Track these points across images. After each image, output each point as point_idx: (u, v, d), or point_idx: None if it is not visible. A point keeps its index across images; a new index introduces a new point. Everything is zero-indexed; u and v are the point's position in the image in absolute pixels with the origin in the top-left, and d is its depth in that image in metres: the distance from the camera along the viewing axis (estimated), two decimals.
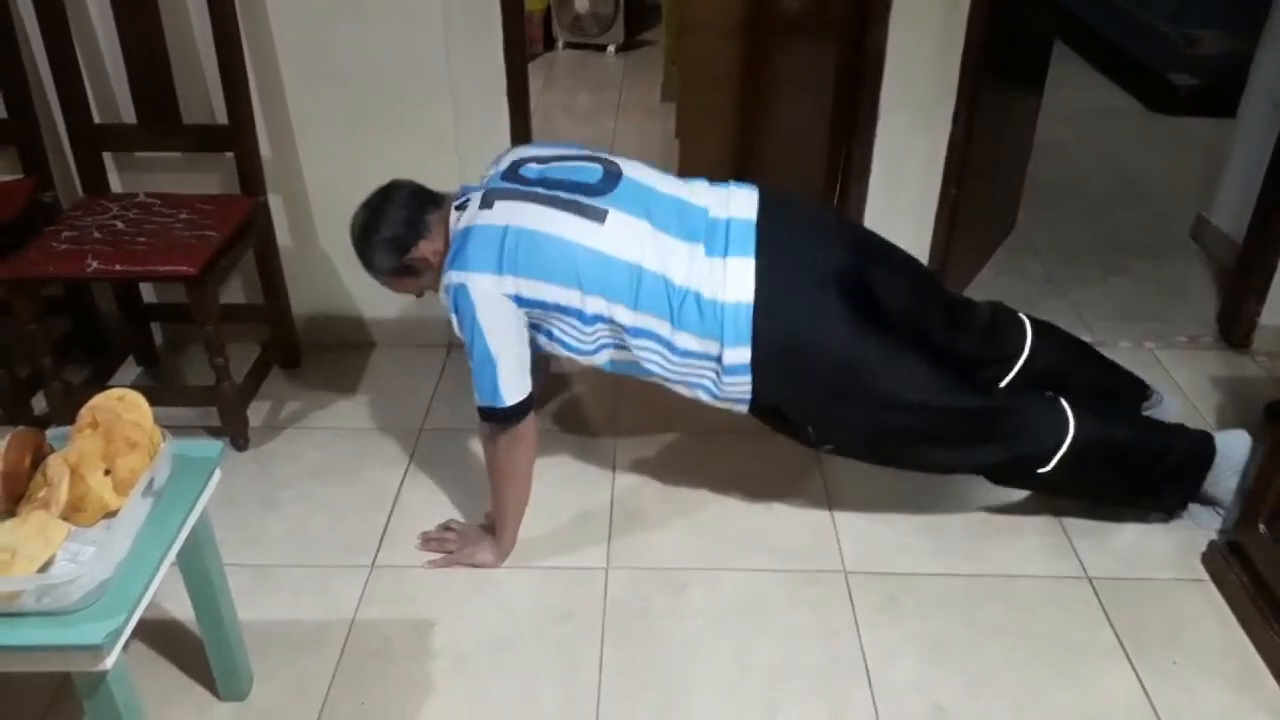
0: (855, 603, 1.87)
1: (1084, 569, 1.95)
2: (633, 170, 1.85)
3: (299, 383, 2.54)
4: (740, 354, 1.74)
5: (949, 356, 1.92)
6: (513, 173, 1.85)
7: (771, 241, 1.78)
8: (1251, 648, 1.78)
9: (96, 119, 2.29)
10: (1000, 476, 2.00)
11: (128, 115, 2.31)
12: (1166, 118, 4.44)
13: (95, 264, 2.01)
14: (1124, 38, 4.93)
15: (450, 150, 2.41)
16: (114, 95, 2.34)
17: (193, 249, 2.06)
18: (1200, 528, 2.03)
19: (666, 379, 1.85)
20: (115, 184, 2.40)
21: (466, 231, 1.77)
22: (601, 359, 1.87)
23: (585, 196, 1.78)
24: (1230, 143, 3.06)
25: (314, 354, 2.62)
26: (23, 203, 2.19)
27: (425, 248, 1.84)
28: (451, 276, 1.76)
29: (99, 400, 1.42)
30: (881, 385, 1.80)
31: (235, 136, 2.26)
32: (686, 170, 3.68)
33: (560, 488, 2.16)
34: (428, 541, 2.00)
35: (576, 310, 1.76)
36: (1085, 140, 4.16)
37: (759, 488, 2.16)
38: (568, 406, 2.44)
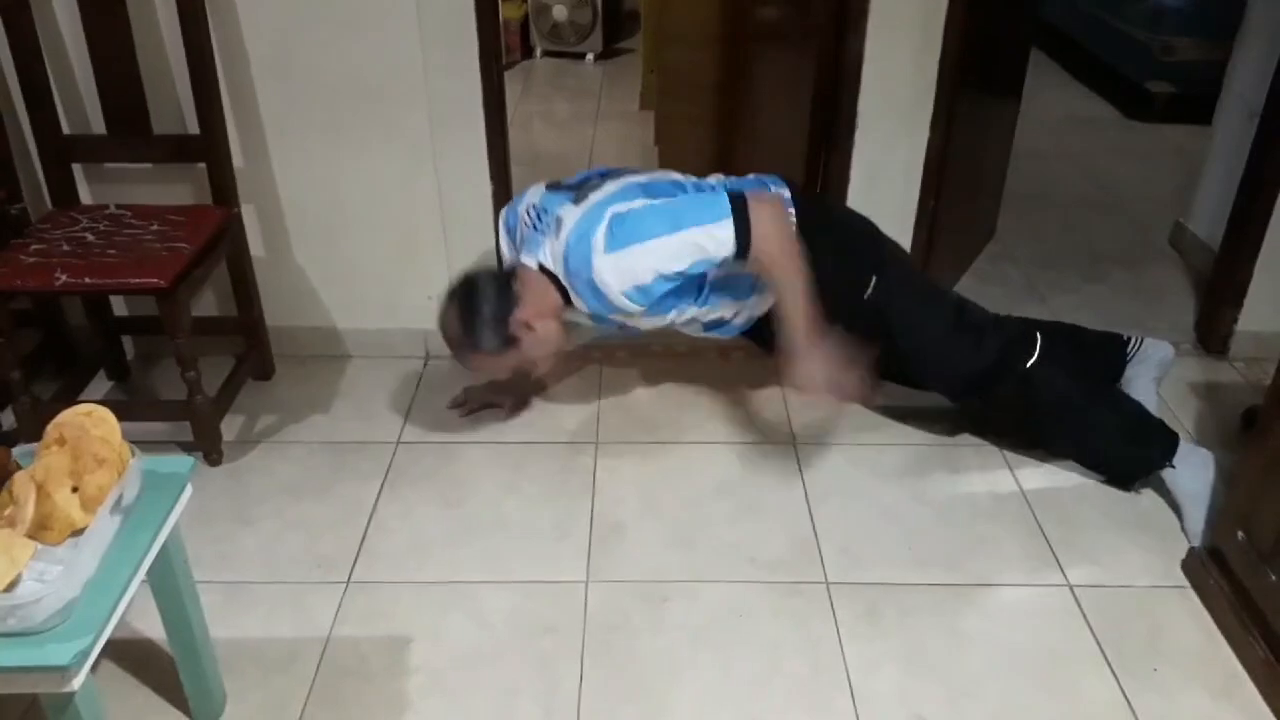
0: (837, 613, 1.86)
1: (1065, 577, 1.95)
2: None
3: (273, 396, 2.51)
4: (784, 190, 2.07)
5: None
6: (555, 186, 2.03)
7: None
8: (1231, 654, 1.78)
9: (65, 130, 2.26)
10: (992, 373, 2.12)
11: (97, 126, 2.28)
12: (1144, 125, 4.48)
13: (64, 277, 1.98)
14: (1101, 46, 4.97)
15: (427, 160, 2.40)
16: (83, 105, 2.31)
17: (164, 261, 2.04)
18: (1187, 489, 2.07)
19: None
20: (85, 196, 2.37)
21: (577, 215, 1.89)
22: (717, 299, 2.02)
23: (618, 170, 2.03)
24: (1207, 150, 3.08)
25: (288, 366, 2.60)
26: None
27: (520, 314, 1.92)
28: (593, 236, 1.83)
29: (66, 416, 1.39)
30: (892, 254, 2.19)
31: (207, 147, 2.23)
32: None
33: (540, 501, 2.14)
34: (828, 393, 1.94)
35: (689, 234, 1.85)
36: (1063, 148, 4.19)
37: (740, 499, 2.15)
38: (547, 419, 2.42)
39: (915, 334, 2.11)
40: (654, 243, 1.81)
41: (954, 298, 2.23)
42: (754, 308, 2.09)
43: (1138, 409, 2.16)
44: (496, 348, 1.94)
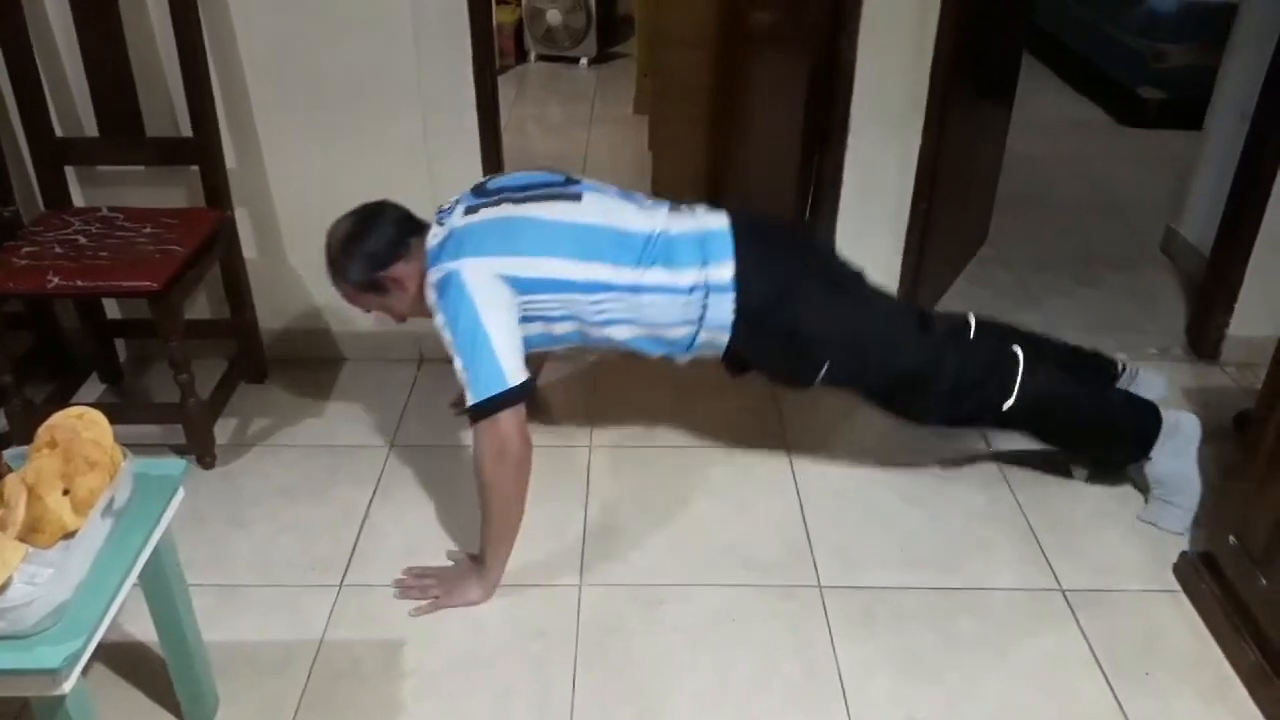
0: (831, 617, 1.87)
1: (1057, 581, 1.95)
2: (587, 179, 1.99)
3: (267, 399, 2.51)
4: (724, 270, 1.86)
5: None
6: (481, 189, 1.96)
7: (738, 210, 1.97)
8: (1223, 658, 1.78)
9: (58, 132, 2.26)
10: (973, 406, 2.05)
11: (90, 128, 2.28)
12: (1136, 130, 4.49)
13: (56, 280, 1.97)
14: (1093, 52, 4.99)
15: (420, 163, 2.39)
16: (76, 107, 2.30)
17: (156, 264, 2.03)
18: (1167, 529, 2.05)
19: (666, 324, 1.89)
20: (77, 198, 2.37)
21: (450, 233, 1.83)
22: (606, 333, 1.91)
23: (556, 188, 1.91)
24: (1198, 155, 3.10)
25: (282, 369, 2.59)
26: None
27: (400, 268, 1.88)
28: (442, 267, 1.79)
29: (57, 419, 1.39)
30: (849, 289, 2.00)
31: (200, 149, 2.23)
32: (660, 183, 3.70)
33: (533, 504, 2.12)
34: (407, 589, 1.89)
35: (573, 282, 1.82)
36: (1056, 153, 4.20)
37: (734, 503, 2.15)
38: (540, 421, 2.42)
39: (880, 400, 2.08)
40: (447, 332, 1.78)
41: (922, 354, 2.01)
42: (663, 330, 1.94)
43: (1118, 405, 2.14)
44: (359, 284, 1.90)
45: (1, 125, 2.26)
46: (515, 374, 1.74)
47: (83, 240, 2.11)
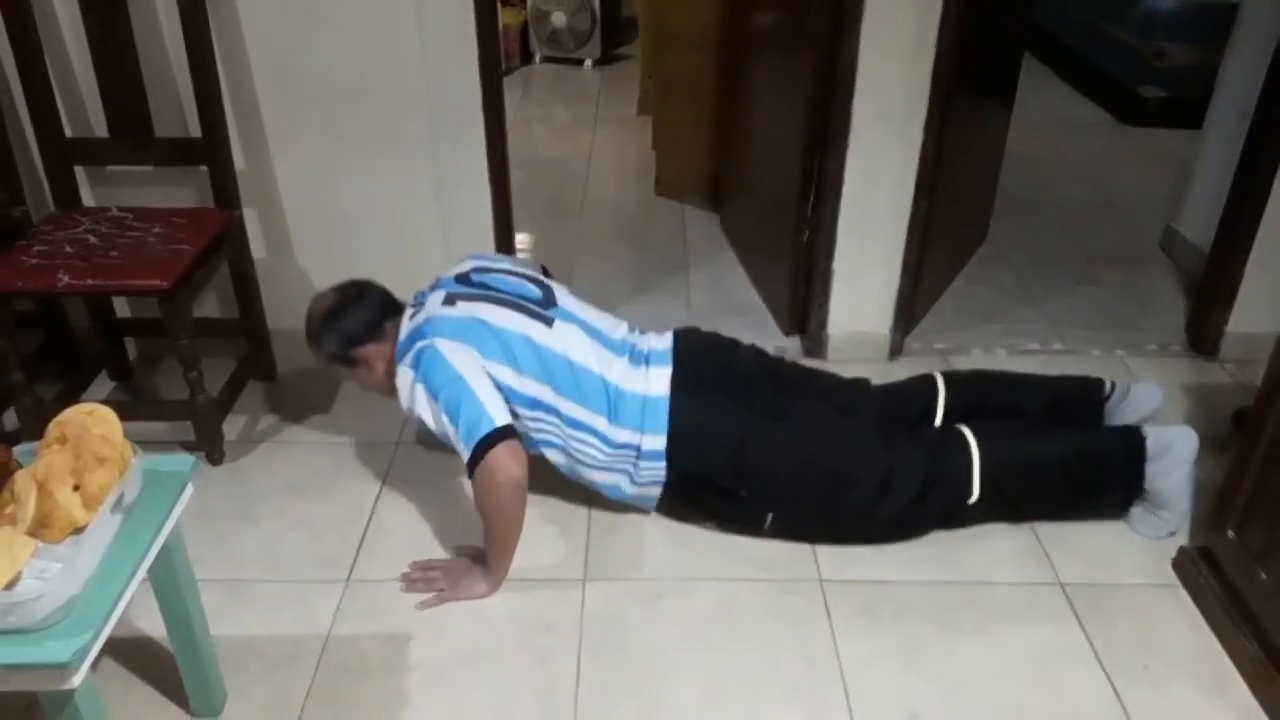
0: (831, 611, 1.88)
1: (1056, 575, 1.97)
2: (565, 298, 2.05)
3: (274, 396, 2.53)
4: (657, 441, 1.92)
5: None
6: (465, 279, 2.01)
7: (685, 354, 2.01)
8: (1222, 651, 1.80)
9: (68, 132, 2.28)
10: (938, 514, 2.02)
11: (99, 128, 2.30)
12: (1136, 129, 4.50)
13: (67, 278, 2.00)
14: (1093, 51, 4.99)
15: (427, 164, 2.41)
16: (85, 108, 2.32)
17: (166, 262, 2.05)
18: (1145, 537, 2.05)
19: (595, 467, 1.97)
20: (87, 198, 2.39)
21: (431, 319, 1.89)
22: (548, 455, 1.98)
23: (533, 305, 1.98)
24: (1198, 154, 3.11)
25: (290, 368, 2.61)
26: None
27: (373, 350, 1.98)
28: (416, 346, 1.86)
29: (67, 415, 1.41)
30: (781, 437, 1.97)
31: (209, 149, 2.25)
32: (664, 183, 3.72)
33: (536, 499, 2.14)
34: (413, 582, 1.93)
35: (526, 397, 1.88)
36: (1056, 152, 4.21)
37: None
38: None
39: (835, 536, 2.04)
40: (427, 400, 1.84)
41: (872, 480, 1.95)
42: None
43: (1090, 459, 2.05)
44: (332, 356, 2.00)
45: (12, 125, 2.28)
46: (501, 416, 1.79)
47: (93, 240, 2.13)
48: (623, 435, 1.93)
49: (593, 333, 2.00)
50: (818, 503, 1.98)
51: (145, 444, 1.44)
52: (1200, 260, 2.92)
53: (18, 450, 1.42)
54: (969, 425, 2.02)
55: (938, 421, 2.11)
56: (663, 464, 1.94)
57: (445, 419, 1.80)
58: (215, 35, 2.20)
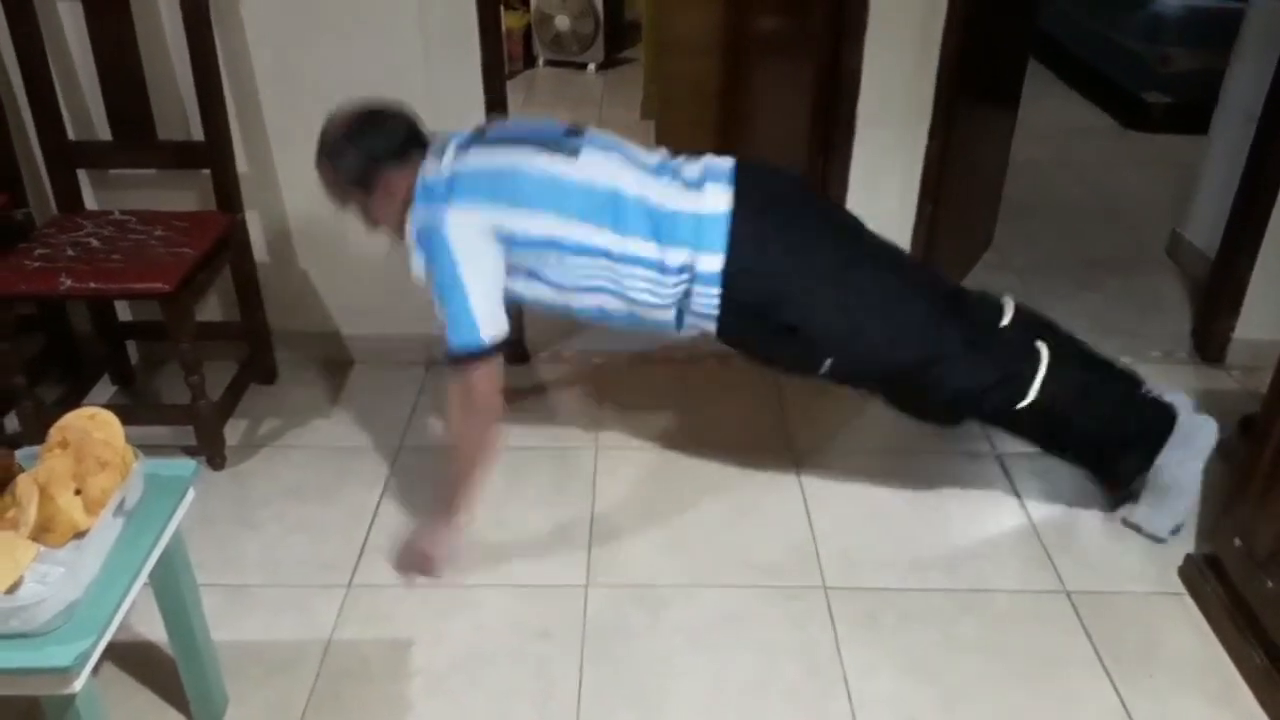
0: (835, 618, 1.87)
1: (1061, 583, 1.96)
2: (594, 131, 1.89)
3: (276, 401, 2.53)
4: (713, 262, 1.77)
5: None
6: (480, 133, 1.87)
7: (748, 181, 1.83)
8: (1228, 661, 1.79)
9: (71, 135, 2.28)
10: (984, 406, 1.95)
11: (103, 132, 2.30)
12: (1141, 135, 4.49)
13: (69, 282, 1.99)
14: (1098, 56, 4.99)
15: None
16: (89, 111, 2.32)
17: (168, 266, 2.05)
18: (1153, 531, 2.03)
19: (657, 305, 1.83)
20: (90, 201, 2.39)
21: (449, 177, 1.76)
22: (586, 301, 1.84)
23: (555, 140, 1.82)
24: (1203, 159, 3.10)
25: (292, 372, 2.61)
26: None
27: (394, 174, 1.81)
28: (425, 213, 1.75)
29: (69, 419, 1.40)
30: (855, 279, 1.85)
31: (212, 153, 2.25)
32: None
33: (539, 504, 2.15)
34: (409, 577, 1.93)
35: (562, 241, 1.76)
36: (1061, 157, 4.20)
37: (739, 503, 2.16)
38: (546, 421, 2.43)
39: (889, 397, 2.01)
40: (427, 275, 1.77)
41: (932, 349, 1.88)
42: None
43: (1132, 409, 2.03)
44: (348, 176, 1.82)
45: (15, 128, 2.28)
46: (490, 329, 1.72)
47: (95, 243, 2.13)
48: (679, 257, 1.76)
49: (625, 156, 1.84)
50: (879, 362, 1.88)
51: (146, 448, 1.44)
52: (1206, 266, 2.91)
53: (20, 454, 1.42)
54: (1041, 339, 1.95)
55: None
56: (718, 290, 1.78)
57: (437, 305, 1.74)
58: (218, 39, 2.20)
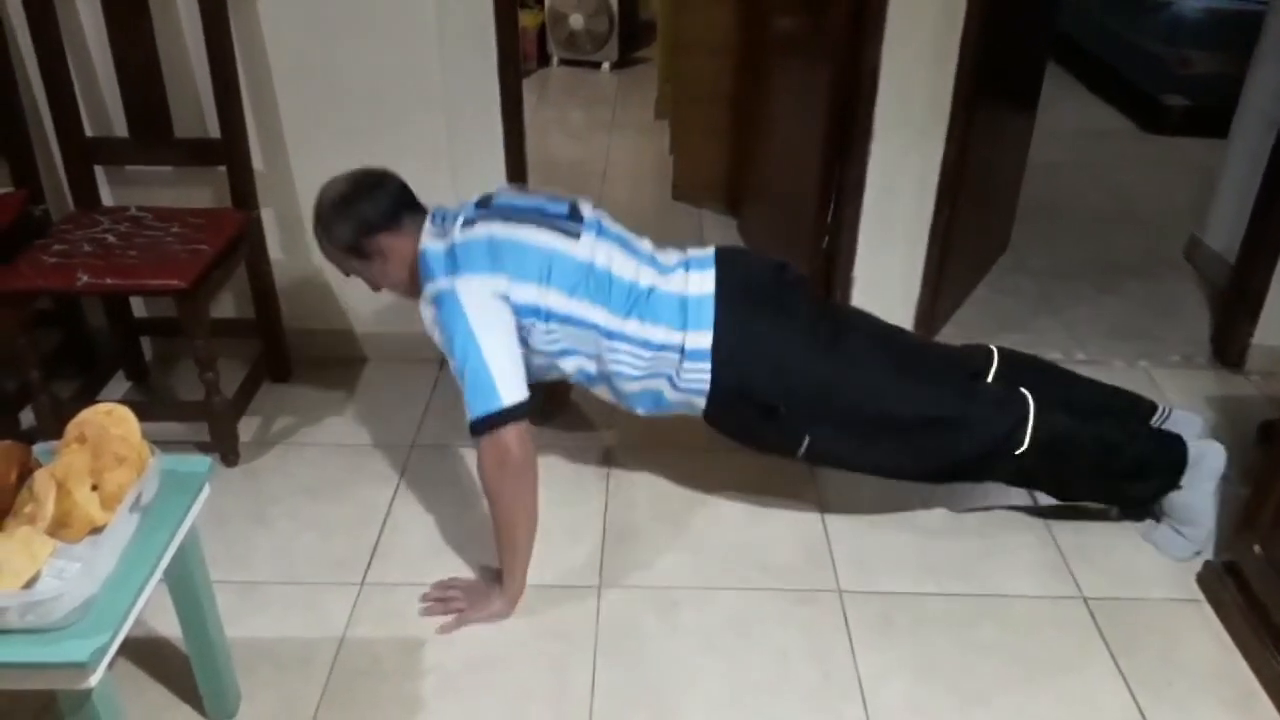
0: (849, 622, 1.86)
1: (1079, 589, 1.94)
2: (592, 212, 1.96)
3: (290, 398, 2.53)
4: (702, 339, 1.83)
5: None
6: (486, 203, 1.94)
7: (729, 265, 1.91)
8: (1247, 669, 1.77)
9: (88, 132, 2.29)
10: (976, 465, 1.96)
11: (120, 128, 2.31)
12: (1159, 138, 4.47)
13: (85, 277, 2.00)
14: (1117, 59, 4.96)
15: (444, 166, 2.41)
16: (106, 108, 2.33)
17: (184, 262, 2.05)
18: (1171, 558, 2.01)
19: (634, 378, 1.88)
20: (106, 197, 2.39)
21: (452, 248, 1.82)
22: (568, 366, 1.90)
23: (558, 220, 1.89)
24: (1223, 163, 3.08)
25: (305, 369, 2.61)
26: (13, 215, 2.17)
27: (388, 240, 1.87)
28: (439, 284, 1.79)
29: (87, 415, 1.40)
30: (829, 360, 1.88)
31: (228, 150, 2.25)
32: (680, 187, 3.70)
33: (552, 505, 2.13)
34: (432, 605, 1.88)
35: (550, 312, 1.82)
36: (1079, 160, 4.18)
37: (753, 506, 2.16)
38: (559, 424, 2.43)
39: (872, 469, 2.01)
40: (445, 347, 1.79)
41: (916, 415, 1.90)
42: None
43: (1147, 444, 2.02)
44: (343, 245, 1.88)
45: (33, 124, 2.29)
46: (511, 393, 1.74)
47: (111, 239, 2.13)
48: (659, 334, 1.83)
49: (624, 244, 1.92)
50: (858, 433, 1.91)
51: (160, 444, 1.44)
52: (1225, 270, 2.89)
53: (37, 449, 1.42)
54: (1025, 387, 1.95)
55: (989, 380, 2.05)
56: (708, 365, 1.83)
57: (455, 370, 1.76)
58: (235, 37, 2.20)
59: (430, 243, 1.85)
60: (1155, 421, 2.11)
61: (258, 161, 2.36)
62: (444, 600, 1.88)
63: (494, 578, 1.92)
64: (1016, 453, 1.91)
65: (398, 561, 2.00)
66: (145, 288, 2.05)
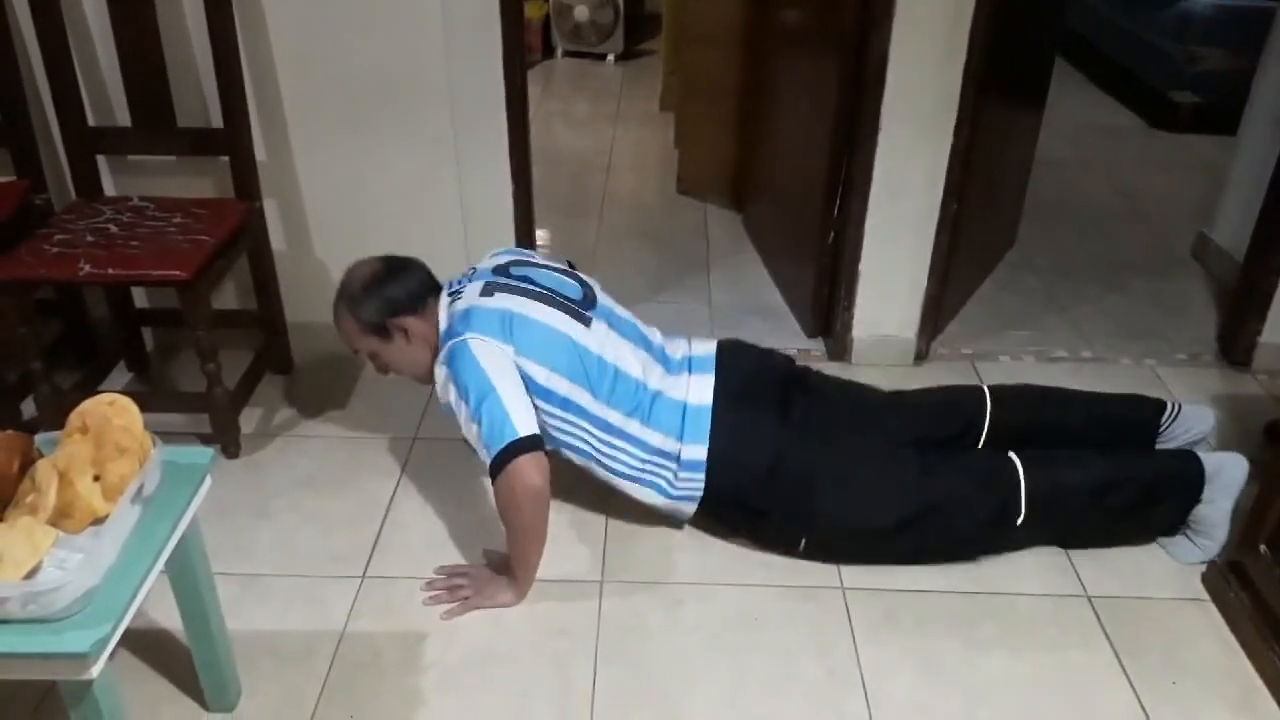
0: (853, 619, 1.85)
1: (1083, 587, 1.93)
2: (604, 298, 2.02)
3: (292, 390, 2.52)
4: (698, 451, 1.88)
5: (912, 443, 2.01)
6: (504, 270, 1.96)
7: (728, 368, 1.97)
8: (1251, 669, 1.76)
9: (91, 121, 2.28)
10: (983, 540, 1.99)
11: (122, 118, 2.30)
12: (1168, 135, 4.44)
13: (87, 267, 1.99)
14: (1126, 55, 4.94)
15: (448, 157, 2.40)
16: (109, 97, 2.32)
17: (186, 253, 2.04)
18: (1180, 563, 1.99)
19: (626, 476, 1.92)
20: (109, 187, 2.39)
21: (468, 310, 1.85)
22: (564, 452, 1.93)
23: (572, 303, 1.93)
24: (1231, 160, 3.06)
25: (307, 361, 2.60)
26: (15, 205, 2.16)
27: (412, 321, 1.91)
28: (453, 340, 1.82)
29: (89, 405, 1.40)
30: (818, 464, 1.92)
31: (230, 140, 2.24)
32: (685, 180, 3.69)
33: (555, 501, 2.12)
34: (437, 592, 1.89)
35: (558, 396, 1.84)
36: (1086, 157, 4.16)
37: None
38: None
39: (879, 561, 1.99)
40: (458, 399, 1.80)
41: (909, 508, 1.91)
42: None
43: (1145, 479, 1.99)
44: (369, 323, 1.91)
45: (36, 113, 2.28)
46: (526, 426, 1.75)
47: (114, 229, 2.13)
48: (657, 440, 1.89)
49: (632, 336, 1.97)
50: (854, 531, 1.95)
51: (161, 435, 1.43)
52: (1233, 268, 2.88)
53: (39, 439, 1.42)
54: (1017, 453, 1.95)
55: (982, 442, 2.05)
56: (702, 475, 1.89)
57: (469, 420, 1.77)
58: (239, 26, 2.19)
59: (446, 312, 1.89)
60: (1165, 419, 2.09)
61: (260, 152, 2.35)
62: (451, 589, 1.89)
63: (500, 564, 1.93)
64: (1019, 522, 1.92)
65: (399, 555, 1.99)
66: (147, 278, 2.05)
